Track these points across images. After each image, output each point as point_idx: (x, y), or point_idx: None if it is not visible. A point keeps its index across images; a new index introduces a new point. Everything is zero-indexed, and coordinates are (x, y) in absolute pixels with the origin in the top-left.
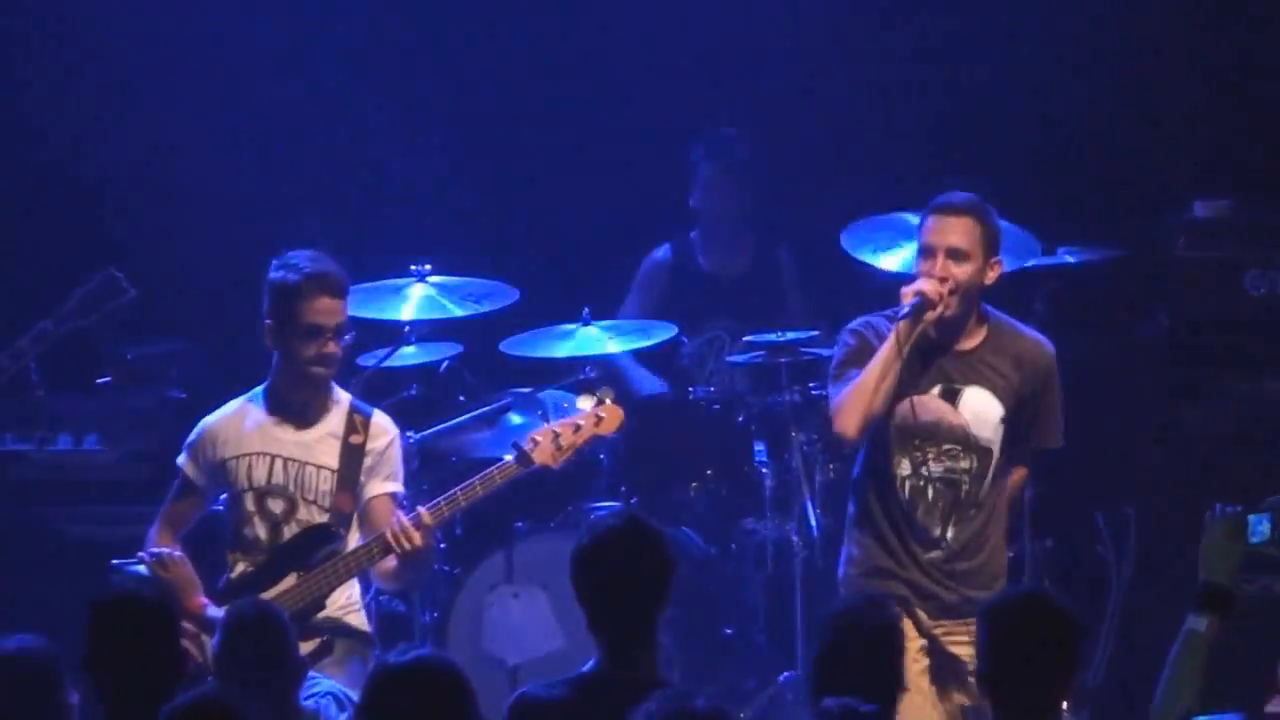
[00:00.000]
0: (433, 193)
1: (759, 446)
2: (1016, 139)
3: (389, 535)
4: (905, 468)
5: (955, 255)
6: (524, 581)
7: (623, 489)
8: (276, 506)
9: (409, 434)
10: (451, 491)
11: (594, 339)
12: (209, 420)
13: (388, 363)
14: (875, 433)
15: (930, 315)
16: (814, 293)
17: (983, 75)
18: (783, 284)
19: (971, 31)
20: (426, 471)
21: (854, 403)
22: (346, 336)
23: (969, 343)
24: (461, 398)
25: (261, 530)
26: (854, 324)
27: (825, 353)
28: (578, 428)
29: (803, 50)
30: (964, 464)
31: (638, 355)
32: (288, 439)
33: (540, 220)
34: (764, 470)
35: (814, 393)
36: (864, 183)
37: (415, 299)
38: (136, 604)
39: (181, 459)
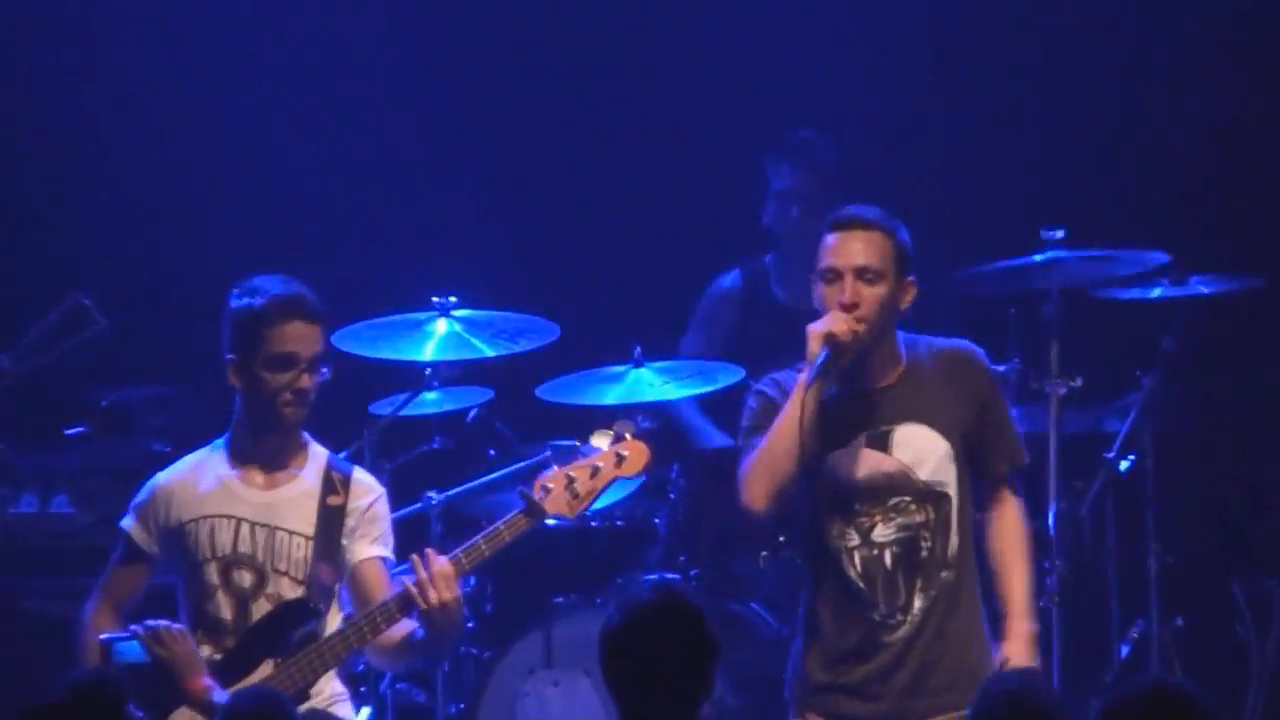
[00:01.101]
0: (460, 214)
1: None
2: (1139, 152)
3: (412, 588)
4: (852, 538)
5: (865, 276)
6: (565, 666)
7: (681, 559)
8: (244, 579)
9: (430, 495)
10: (454, 553)
11: (647, 383)
12: (161, 478)
13: (406, 411)
14: (807, 506)
15: (843, 360)
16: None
17: (1094, 85)
18: None
19: (1083, 43)
20: (452, 539)
21: (758, 472)
22: (323, 370)
23: (889, 376)
24: (492, 452)
25: (226, 608)
26: (760, 382)
27: None
28: (595, 470)
29: (893, 54)
30: (918, 517)
31: (699, 402)
32: (255, 499)
33: (585, 245)
34: None
35: None
36: (965, 210)
37: (438, 337)
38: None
39: (127, 522)
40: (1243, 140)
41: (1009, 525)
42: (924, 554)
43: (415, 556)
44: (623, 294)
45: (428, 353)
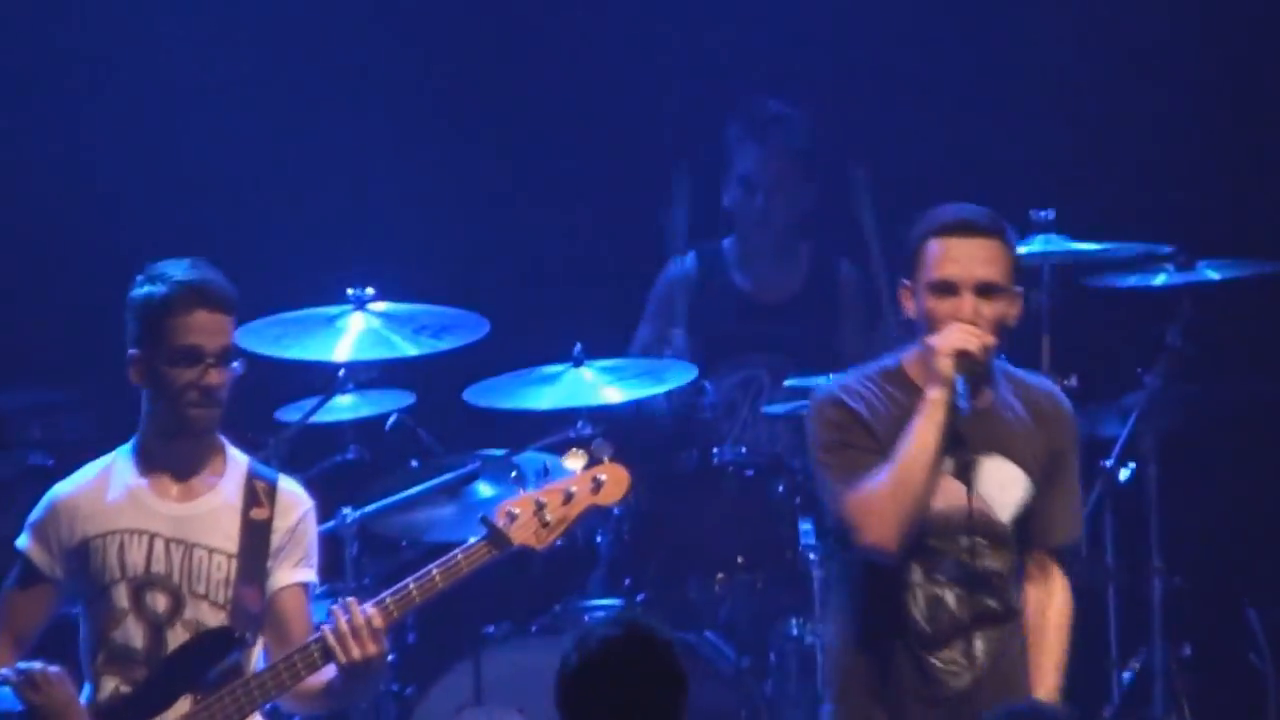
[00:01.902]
0: (378, 197)
1: (805, 526)
2: (1139, 131)
3: (330, 639)
4: (915, 573)
5: (987, 291)
6: (496, 703)
7: (627, 583)
8: (158, 603)
9: (345, 511)
10: (403, 584)
11: (588, 384)
12: (62, 489)
13: (317, 417)
14: None
15: (978, 378)
16: (881, 323)
17: (1088, 58)
18: (842, 311)
19: (1079, 17)
20: (369, 560)
21: (888, 507)
22: (234, 365)
23: (983, 400)
24: (414, 463)
25: (138, 635)
26: (829, 390)
27: None
28: (568, 496)
29: (869, 20)
30: (993, 564)
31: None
32: (169, 512)
33: (517, 230)
34: (812, 557)
35: None
36: (952, 197)
37: (353, 333)
38: None
39: (23, 541)
40: (1254, 117)
41: (1056, 607)
42: (993, 603)
43: (335, 606)
44: (560, 284)
45: (341, 352)
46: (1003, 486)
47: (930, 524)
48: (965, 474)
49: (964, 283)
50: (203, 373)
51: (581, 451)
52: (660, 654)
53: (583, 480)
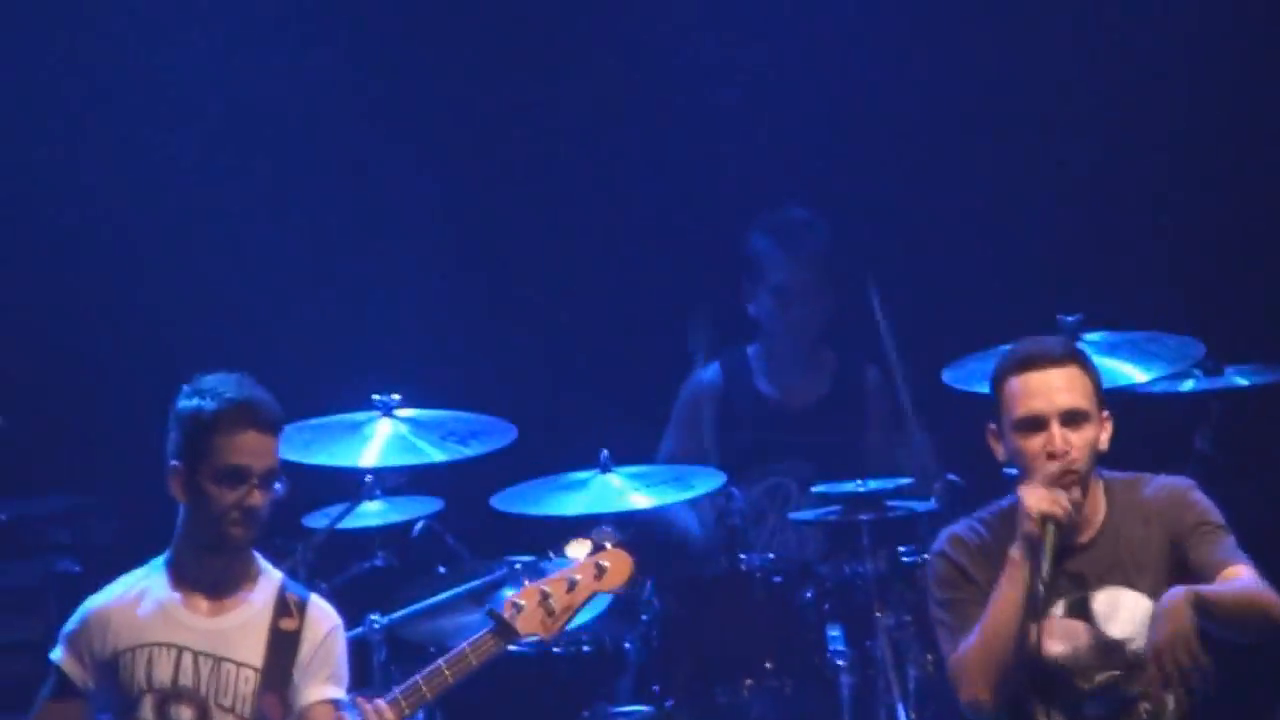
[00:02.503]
0: (406, 303)
1: (834, 632)
2: (1169, 235)
3: None
4: (1057, 718)
5: (1073, 419)
6: None
7: (655, 689)
8: (183, 715)
9: (373, 618)
10: (411, 680)
11: (615, 490)
12: (95, 601)
13: (344, 523)
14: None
15: (1064, 538)
16: (908, 430)
17: (1118, 162)
18: (868, 417)
19: (1103, 117)
20: (397, 666)
21: (979, 664)
22: (276, 485)
23: (1087, 530)
24: (442, 569)
25: None
26: (941, 545)
27: (920, 507)
28: (572, 584)
29: (887, 124)
30: (1133, 689)
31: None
32: (200, 626)
33: (544, 337)
34: (840, 663)
35: (905, 560)
36: (973, 301)
37: (381, 439)
38: None
39: (57, 653)
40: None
41: (1244, 582)
42: (1144, 717)
43: (342, 712)
44: (587, 391)
45: (369, 458)
46: (1124, 613)
47: (1059, 670)
48: (1081, 611)
49: (1049, 414)
50: (247, 493)
51: (584, 540)
52: None
53: (586, 568)
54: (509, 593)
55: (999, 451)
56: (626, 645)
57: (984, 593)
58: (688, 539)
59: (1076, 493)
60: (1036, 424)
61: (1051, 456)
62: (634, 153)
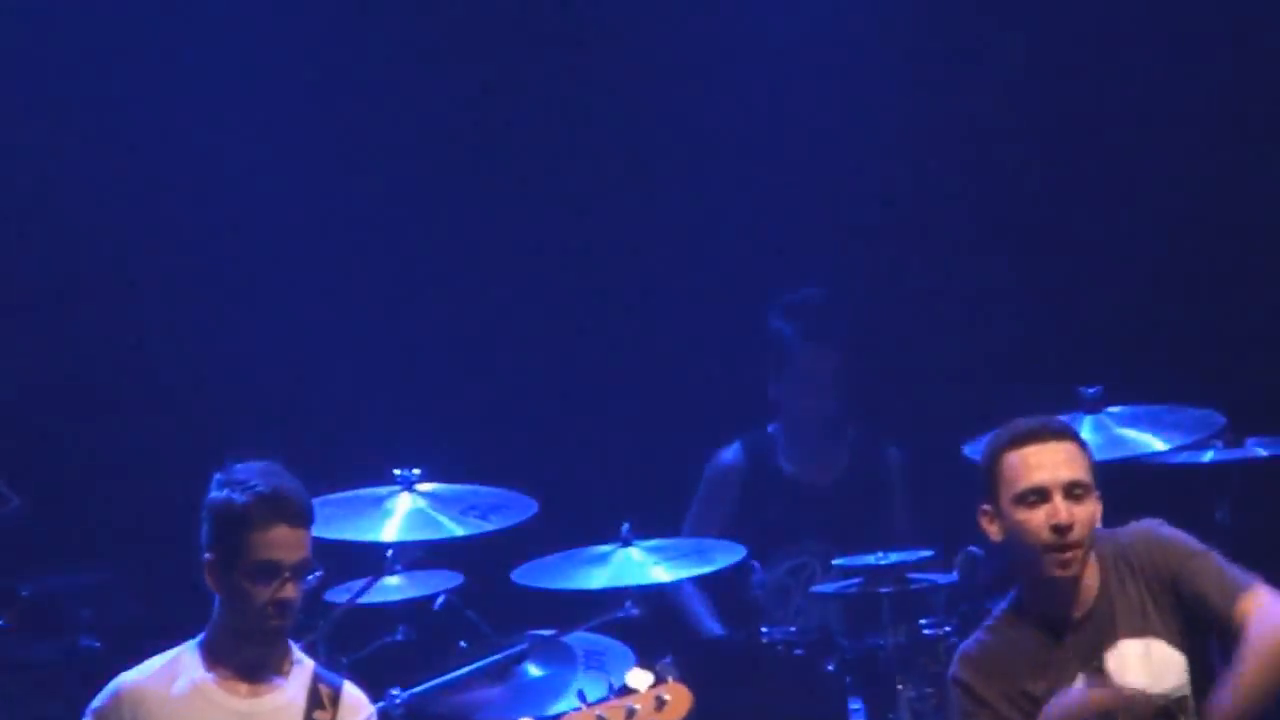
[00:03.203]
0: (425, 377)
1: (855, 705)
2: (1187, 305)
3: None
4: None
5: (1074, 491)
6: None
7: None
8: None
9: (394, 693)
10: None
11: (636, 564)
12: (127, 679)
13: (365, 598)
14: None
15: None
16: (927, 508)
17: (1133, 235)
18: (888, 493)
19: (1119, 189)
20: None
21: None
22: (310, 577)
23: (1088, 601)
24: (463, 644)
25: None
26: (956, 673)
27: (941, 580)
28: (630, 713)
29: (908, 199)
30: None
31: (699, 583)
32: (234, 708)
33: (564, 410)
34: None
35: (926, 633)
36: (991, 376)
37: (401, 514)
38: None
39: None
40: None
41: (1257, 630)
42: None
43: None
44: (607, 464)
45: (389, 532)
46: (1141, 667)
47: None
48: (1099, 677)
49: (1052, 487)
50: (280, 587)
51: (646, 670)
52: None
53: (646, 699)
54: (538, 673)
55: (993, 532)
56: None
57: (998, 709)
58: (699, 627)
59: (1077, 568)
60: (1040, 496)
61: (1055, 530)
62: (659, 227)
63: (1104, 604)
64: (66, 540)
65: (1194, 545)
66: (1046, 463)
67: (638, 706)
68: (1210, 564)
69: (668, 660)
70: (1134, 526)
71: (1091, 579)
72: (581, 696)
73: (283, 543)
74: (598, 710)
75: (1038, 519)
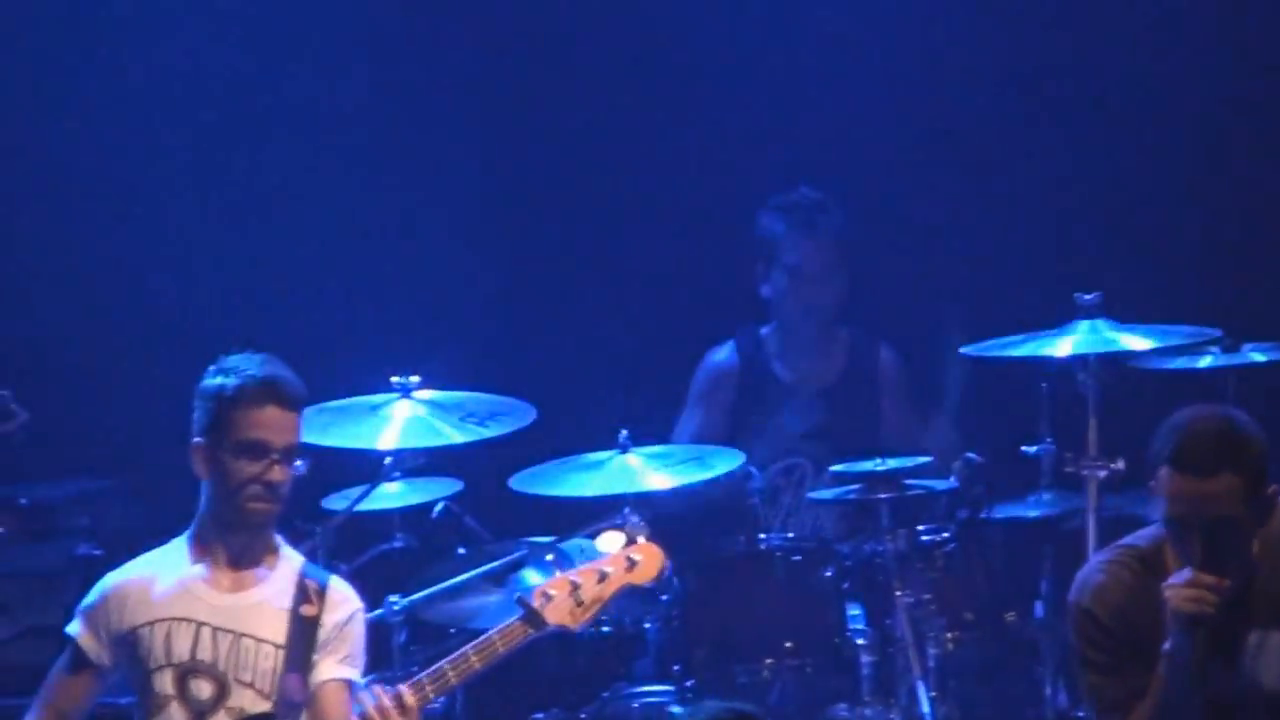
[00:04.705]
0: (424, 284)
1: (854, 611)
2: (1183, 216)
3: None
4: None
5: (1221, 531)
6: None
7: (675, 669)
8: (202, 690)
9: (392, 599)
10: (438, 666)
11: (634, 471)
12: (114, 578)
13: (363, 505)
14: None
15: (1207, 631)
16: (923, 408)
17: (1135, 142)
18: (883, 396)
19: (1122, 97)
20: (417, 647)
21: None
22: (298, 463)
23: (1240, 580)
24: (461, 550)
25: None
26: (1083, 601)
27: (938, 486)
28: (603, 575)
29: (907, 111)
30: None
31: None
32: (219, 602)
33: (563, 318)
34: (860, 642)
35: (924, 538)
36: (986, 275)
37: (399, 421)
38: None
39: (74, 627)
40: None
41: None
42: None
43: (363, 692)
44: (606, 371)
45: (387, 440)
46: (1270, 658)
47: (1210, 714)
48: (1225, 657)
49: (1191, 520)
50: (267, 468)
51: (616, 532)
52: None
53: (617, 560)
54: (538, 580)
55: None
56: (647, 626)
57: (1133, 647)
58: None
59: (1224, 591)
60: (1185, 529)
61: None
62: (655, 135)
63: (1257, 589)
64: (65, 449)
65: None
66: (1192, 498)
67: (610, 569)
68: None
69: (638, 521)
70: None
71: (1247, 562)
72: (557, 565)
73: (273, 424)
74: (571, 576)
75: (1183, 553)
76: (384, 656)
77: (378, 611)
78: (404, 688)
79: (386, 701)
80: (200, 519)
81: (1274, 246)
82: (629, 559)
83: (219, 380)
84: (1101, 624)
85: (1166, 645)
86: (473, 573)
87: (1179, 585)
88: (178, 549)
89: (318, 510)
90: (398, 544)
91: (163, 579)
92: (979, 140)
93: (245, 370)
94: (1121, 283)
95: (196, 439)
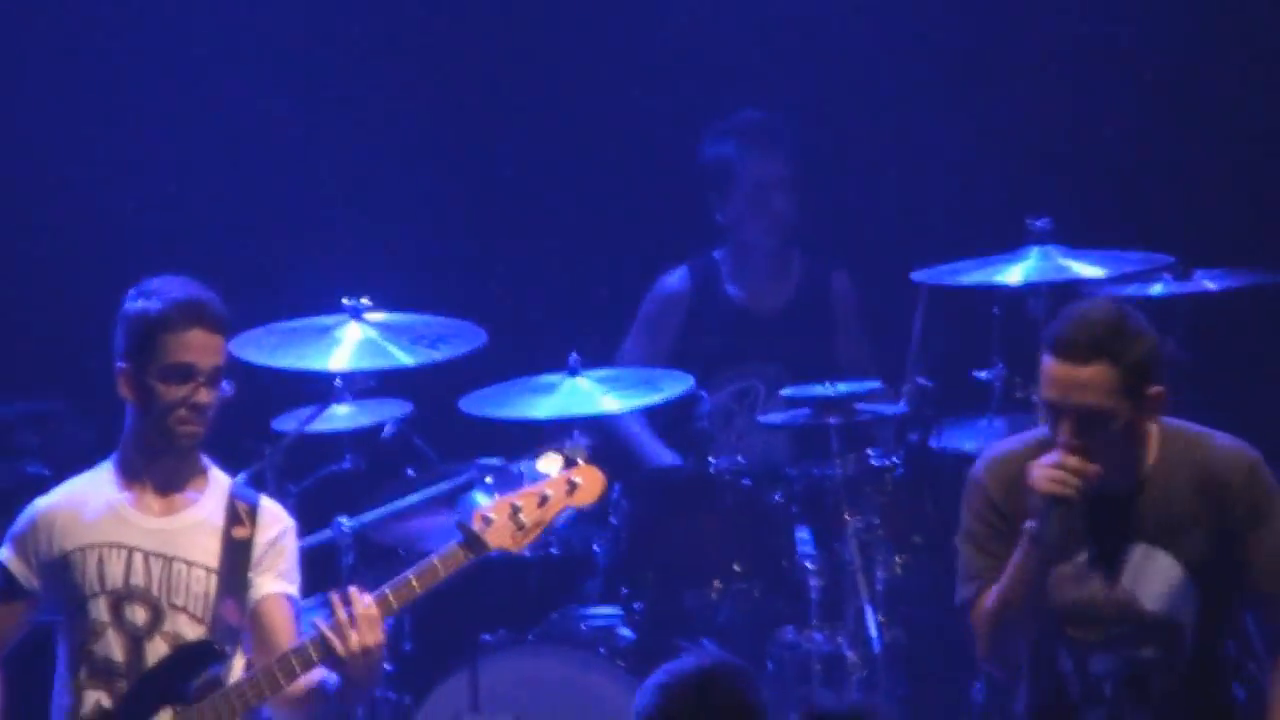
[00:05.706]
0: (374, 206)
1: (802, 534)
2: (1135, 140)
3: (330, 634)
4: (1065, 663)
5: (1090, 421)
6: (493, 710)
7: (624, 591)
8: (137, 615)
9: (341, 520)
10: (380, 591)
11: (584, 394)
12: (43, 503)
13: (313, 427)
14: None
15: (1073, 517)
16: (875, 334)
17: (1086, 68)
18: (836, 321)
19: (1078, 27)
20: (365, 569)
21: (992, 630)
22: (223, 385)
23: (1127, 483)
24: (411, 472)
25: (117, 648)
26: (980, 471)
27: (888, 411)
28: (544, 499)
29: (858, 29)
30: (1144, 651)
31: (646, 414)
32: (149, 526)
33: (513, 240)
34: (808, 565)
35: (873, 463)
36: (939, 199)
37: (350, 343)
38: None
39: (3, 553)
40: (1252, 128)
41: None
42: (1155, 693)
43: (335, 595)
44: (557, 294)
45: (337, 361)
46: (1150, 575)
47: (1070, 615)
48: (1107, 565)
49: (1063, 408)
50: (193, 390)
51: (556, 455)
52: (744, 700)
53: (558, 483)
54: (480, 503)
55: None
56: (595, 548)
57: (1012, 525)
58: (633, 449)
59: (1091, 476)
60: (1055, 413)
61: (1065, 446)
62: (605, 56)
63: (1150, 499)
64: (17, 369)
65: (1265, 499)
66: (1061, 382)
67: (550, 492)
68: (1271, 528)
69: (581, 443)
70: (1232, 448)
71: (1145, 460)
72: (494, 489)
73: (198, 345)
74: (511, 499)
75: (1053, 435)
76: (333, 577)
77: (326, 532)
78: (369, 598)
79: (359, 608)
80: (125, 442)
81: (1226, 172)
82: (570, 482)
83: (141, 304)
84: (987, 495)
85: (1027, 524)
86: (421, 494)
87: (1044, 465)
88: (104, 472)
89: (267, 431)
90: (347, 465)
91: (92, 503)
92: (933, 67)
93: (169, 294)
94: (1073, 207)
95: (120, 363)
